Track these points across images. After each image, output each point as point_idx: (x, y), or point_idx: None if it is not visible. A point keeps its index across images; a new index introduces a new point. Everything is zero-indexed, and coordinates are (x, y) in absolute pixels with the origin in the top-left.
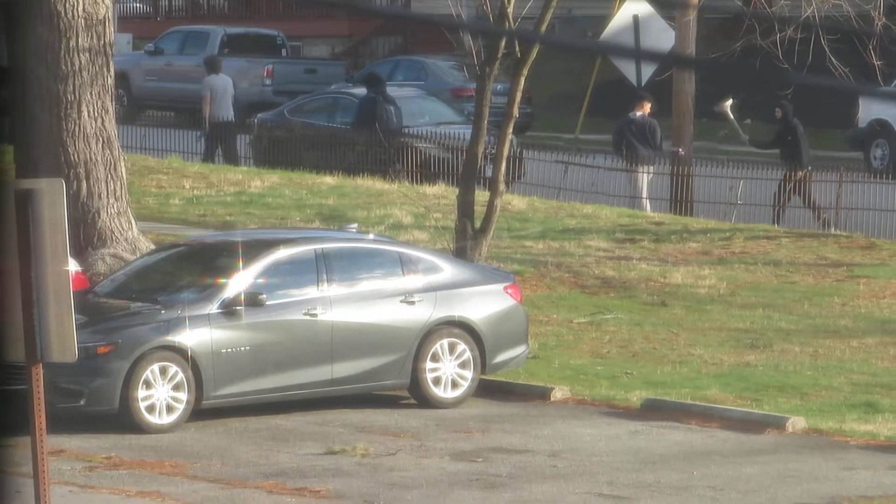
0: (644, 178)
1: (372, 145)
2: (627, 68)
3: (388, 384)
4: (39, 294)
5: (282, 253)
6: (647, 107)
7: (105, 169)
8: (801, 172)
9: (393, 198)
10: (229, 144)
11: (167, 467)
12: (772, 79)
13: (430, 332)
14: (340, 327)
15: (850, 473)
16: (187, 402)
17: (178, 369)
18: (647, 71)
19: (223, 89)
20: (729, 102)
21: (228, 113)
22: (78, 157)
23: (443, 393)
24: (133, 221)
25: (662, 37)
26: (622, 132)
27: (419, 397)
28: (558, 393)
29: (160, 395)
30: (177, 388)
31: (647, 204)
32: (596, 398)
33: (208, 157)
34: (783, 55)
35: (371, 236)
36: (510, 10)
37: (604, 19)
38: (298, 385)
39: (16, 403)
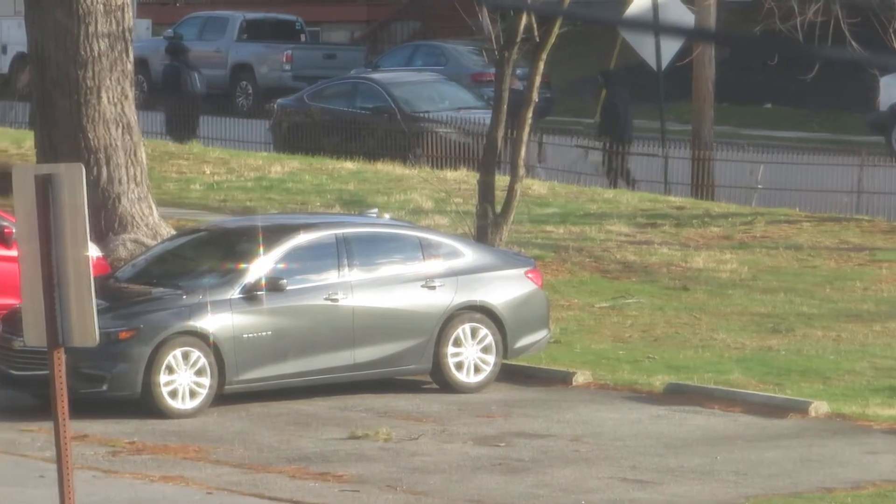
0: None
1: (392, 130)
2: (647, 52)
3: (409, 369)
4: (60, 279)
5: (302, 238)
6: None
7: (125, 154)
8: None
9: (413, 183)
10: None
11: (190, 452)
12: (793, 53)
13: (452, 317)
14: (362, 312)
15: (874, 458)
16: (210, 387)
17: (201, 354)
18: (667, 55)
19: None
20: None
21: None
22: (98, 142)
23: (465, 378)
24: (153, 207)
25: (682, 21)
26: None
27: (441, 382)
28: (580, 377)
29: (182, 380)
30: (199, 373)
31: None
32: (618, 383)
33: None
34: (803, 39)
35: (386, 217)
36: None
37: (623, 4)
38: (320, 370)
39: (39, 389)
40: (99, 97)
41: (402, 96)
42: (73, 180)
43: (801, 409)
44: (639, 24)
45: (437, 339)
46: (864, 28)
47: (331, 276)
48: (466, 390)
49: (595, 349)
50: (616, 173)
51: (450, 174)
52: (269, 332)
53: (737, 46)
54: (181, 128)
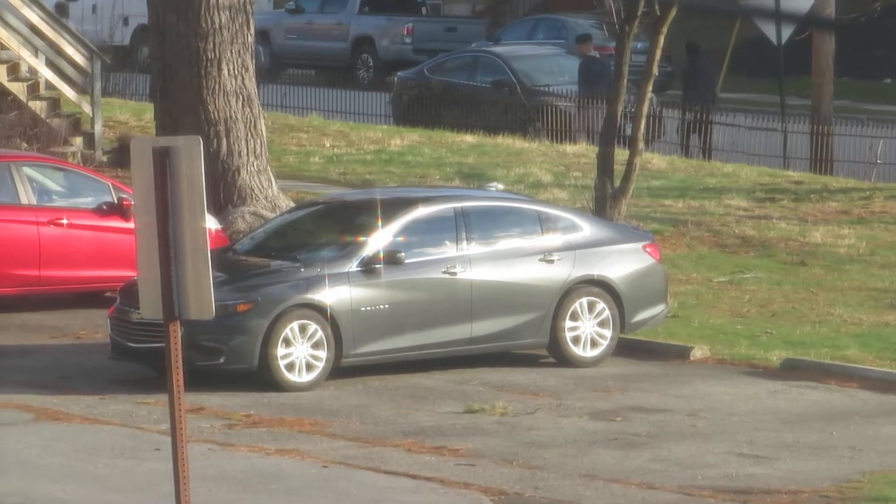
0: None
1: (512, 104)
2: (767, 26)
3: (526, 343)
4: (176, 251)
5: (421, 211)
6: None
7: (245, 127)
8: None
9: (533, 156)
10: None
11: (306, 425)
12: None
13: (570, 291)
14: (479, 286)
15: None
16: (326, 360)
17: (318, 327)
18: (787, 29)
19: None
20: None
21: None
22: (218, 114)
23: (582, 352)
24: (273, 179)
25: (801, 6)
26: (588, 70)
27: (558, 356)
28: (698, 352)
29: (299, 353)
30: (316, 346)
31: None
32: (735, 357)
33: None
34: None
35: (498, 186)
36: None
37: None
38: (437, 343)
39: (155, 361)
40: (219, 69)
41: (523, 70)
42: (192, 152)
43: None
44: (759, 12)
45: (555, 313)
46: None
47: (449, 250)
48: (583, 364)
49: (713, 324)
50: (686, 141)
51: (569, 148)
52: (387, 306)
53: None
54: None
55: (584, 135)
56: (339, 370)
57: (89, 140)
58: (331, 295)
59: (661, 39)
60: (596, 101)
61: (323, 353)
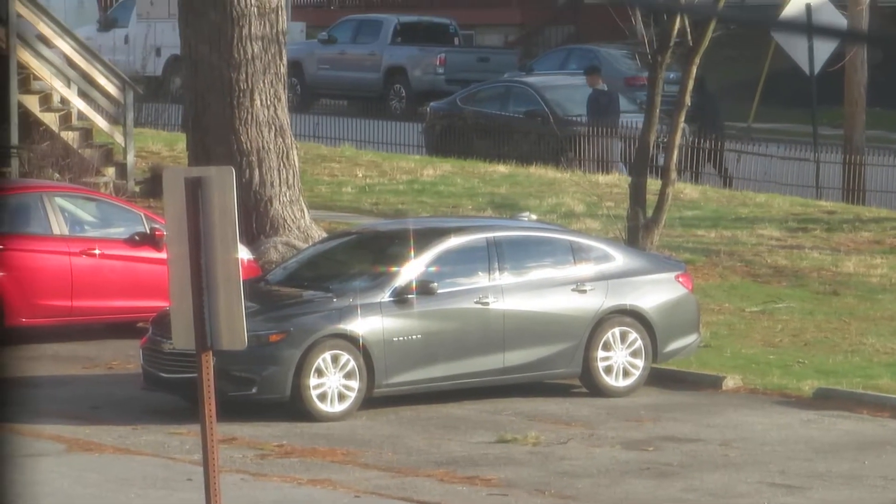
0: (619, 143)
1: (544, 134)
2: (800, 56)
3: (559, 373)
4: (209, 282)
5: (453, 241)
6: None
7: (277, 157)
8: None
9: (565, 186)
10: None
11: (338, 455)
12: None
13: (602, 321)
14: (512, 316)
15: None
16: (359, 390)
17: (350, 357)
18: (820, 60)
19: None
20: None
21: None
22: (250, 144)
23: (614, 382)
24: (305, 209)
25: (835, 24)
26: (597, 102)
27: (590, 386)
28: (730, 382)
29: (332, 383)
30: (348, 376)
31: (623, 167)
32: (768, 387)
33: None
34: None
35: (531, 216)
36: None
37: (777, 8)
38: (470, 373)
39: (188, 391)
40: (252, 100)
41: (555, 100)
42: (224, 183)
43: None
44: (792, 27)
45: (587, 342)
46: None
47: (481, 280)
48: (615, 394)
49: (745, 353)
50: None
51: (601, 178)
52: (419, 336)
53: (890, 48)
54: None
55: (594, 164)
56: (371, 400)
57: (121, 170)
58: (363, 325)
59: (694, 70)
60: (606, 131)
61: (355, 384)
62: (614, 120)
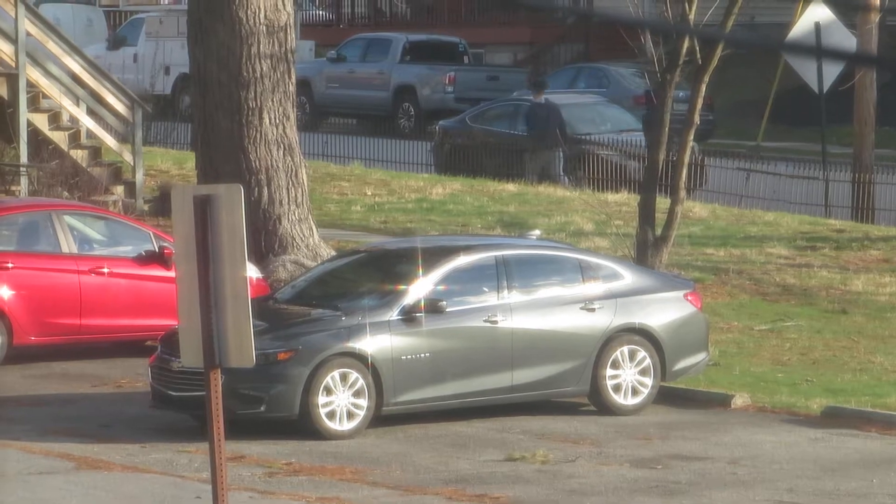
0: (560, 155)
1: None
2: (809, 75)
3: (567, 391)
4: (217, 300)
5: (462, 260)
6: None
7: (286, 175)
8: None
9: (574, 205)
10: None
11: (347, 473)
12: None
13: (611, 339)
14: (521, 334)
15: None
16: (367, 408)
17: (359, 376)
18: (829, 79)
19: None
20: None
21: None
22: (259, 163)
23: (623, 400)
24: (314, 228)
25: (844, 43)
26: (534, 115)
27: (599, 404)
28: (739, 400)
29: (340, 401)
30: (357, 394)
31: (566, 180)
32: (776, 405)
33: None
34: None
35: (536, 233)
36: (692, 15)
37: (786, 26)
38: (478, 392)
39: (196, 409)
40: (261, 118)
41: (565, 118)
42: (233, 201)
43: None
44: (801, 49)
45: (596, 361)
46: None
47: (490, 298)
48: (624, 413)
49: (754, 372)
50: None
51: (610, 196)
52: (428, 354)
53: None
54: None
55: (536, 177)
56: (379, 418)
57: (130, 189)
58: (372, 343)
59: (703, 88)
60: (547, 145)
61: (364, 402)
62: (554, 133)
